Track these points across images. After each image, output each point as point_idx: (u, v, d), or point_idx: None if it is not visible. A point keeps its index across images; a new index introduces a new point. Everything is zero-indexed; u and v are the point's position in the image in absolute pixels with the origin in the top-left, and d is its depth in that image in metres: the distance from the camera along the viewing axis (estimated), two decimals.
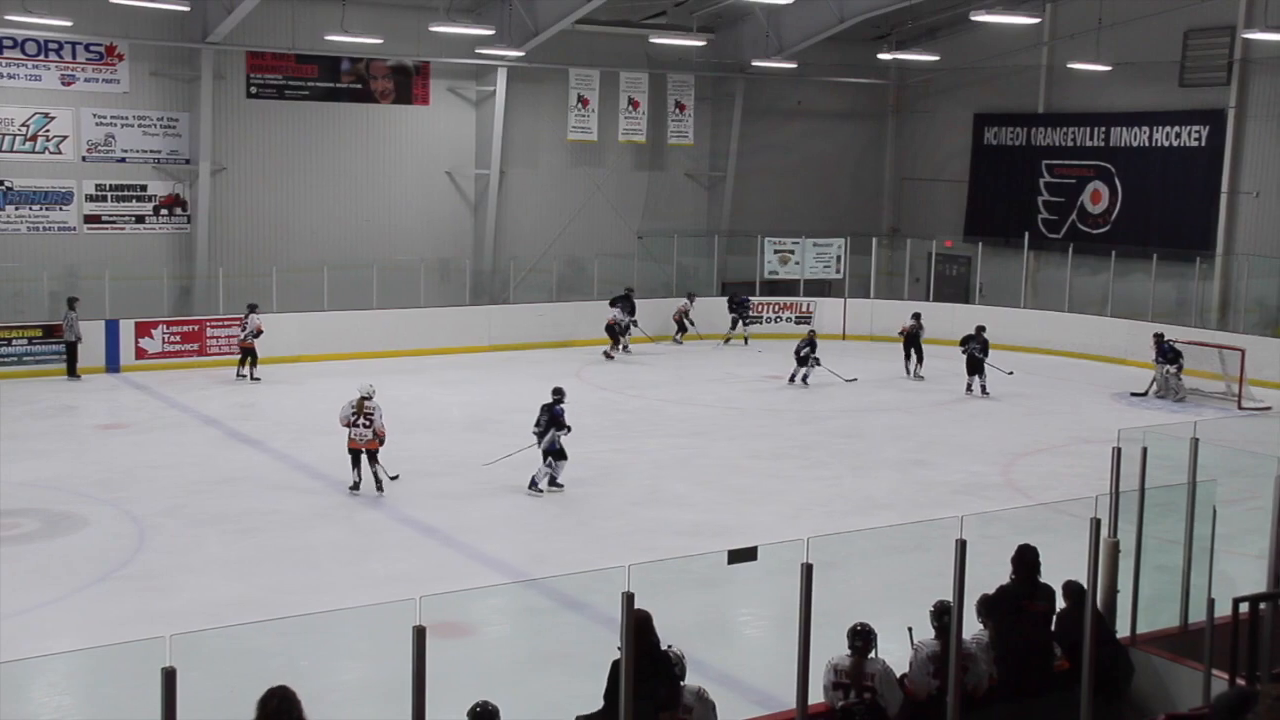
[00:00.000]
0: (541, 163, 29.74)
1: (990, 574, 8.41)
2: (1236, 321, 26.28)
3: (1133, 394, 23.04)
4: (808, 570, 6.49)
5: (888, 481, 16.75)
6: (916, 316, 24.76)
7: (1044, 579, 9.28)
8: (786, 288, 30.63)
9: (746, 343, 27.93)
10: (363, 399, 15.33)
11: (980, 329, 23.29)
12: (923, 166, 33.83)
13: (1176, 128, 28.08)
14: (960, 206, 32.80)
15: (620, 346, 26.27)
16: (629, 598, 5.94)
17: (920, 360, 24.42)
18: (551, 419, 15.72)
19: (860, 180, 34.42)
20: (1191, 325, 25.56)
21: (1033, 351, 26.59)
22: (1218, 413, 21.44)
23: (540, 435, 15.74)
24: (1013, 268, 30.04)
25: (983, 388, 22.74)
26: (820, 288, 31.15)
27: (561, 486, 15.76)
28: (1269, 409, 21.20)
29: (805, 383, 23.32)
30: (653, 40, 27.56)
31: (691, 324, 27.70)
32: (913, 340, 24.56)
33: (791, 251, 30.68)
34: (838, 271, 30.85)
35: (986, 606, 8.09)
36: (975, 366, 22.89)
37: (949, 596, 7.59)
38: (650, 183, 31.40)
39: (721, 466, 17.33)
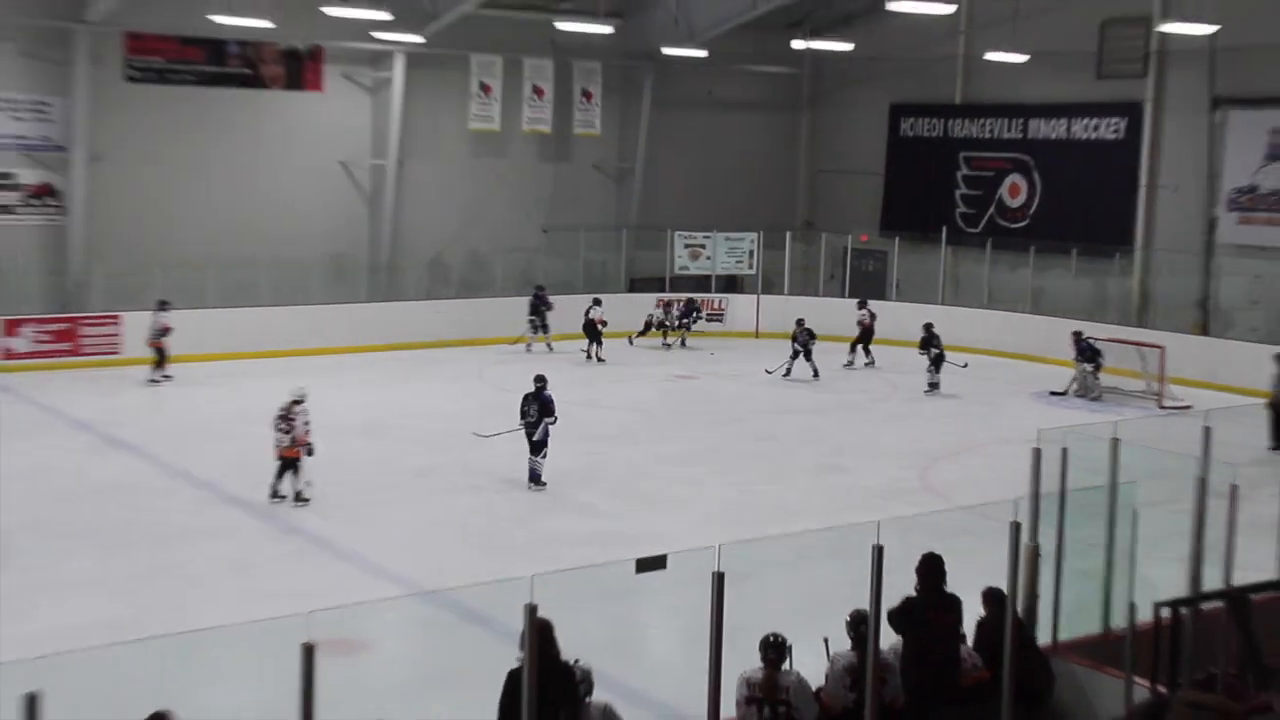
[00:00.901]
0: (442, 153, 29.51)
1: (909, 581, 8.46)
2: (1156, 318, 26.87)
3: (1052, 393, 23.45)
4: (719, 579, 6.48)
5: (802, 487, 16.85)
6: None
7: (966, 585, 9.35)
8: (697, 284, 30.73)
9: (683, 344, 27.82)
10: (293, 403, 15.06)
11: (929, 327, 23.78)
12: (838, 158, 34.15)
13: (1094, 120, 28.65)
14: (877, 200, 33.16)
15: (592, 349, 26.08)
16: (532, 610, 5.89)
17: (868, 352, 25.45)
18: (543, 406, 16.06)
19: (774, 172, 34.65)
20: (1111, 322, 26.11)
21: (951, 349, 26.91)
22: (1138, 412, 21.88)
23: (534, 425, 16.02)
24: (930, 263, 30.43)
25: (933, 384, 23.29)
26: (732, 284, 31.30)
27: (545, 484, 16.07)
28: (1190, 408, 21.67)
29: (816, 375, 24.09)
30: (558, 26, 27.45)
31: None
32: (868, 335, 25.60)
33: (703, 246, 30.76)
34: (750, 267, 31.02)
35: (893, 618, 8.13)
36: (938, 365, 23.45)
37: (866, 605, 7.63)
38: (556, 175, 31.31)
39: (628, 472, 17.31)
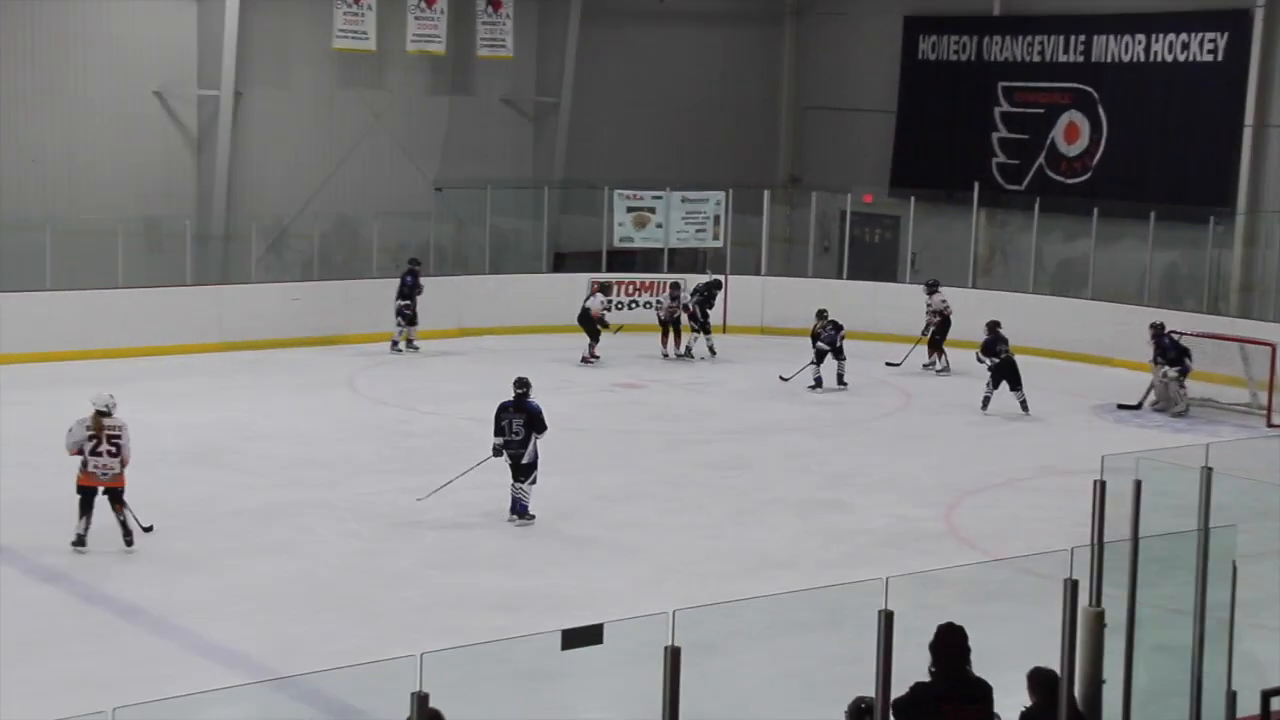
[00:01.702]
0: (296, 81, 29.45)
1: (926, 658, 8.52)
2: (1265, 306, 27.23)
3: (1121, 406, 23.68)
4: (674, 656, 6.52)
5: (786, 530, 16.91)
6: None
7: (1005, 664, 9.43)
8: (645, 260, 30.74)
9: (712, 352, 27.36)
10: (99, 415, 14.91)
11: (994, 326, 23.93)
12: (834, 91, 34.34)
13: (1184, 35, 28.94)
14: (886, 148, 33.39)
15: (591, 349, 26.20)
16: (421, 700, 5.90)
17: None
18: (530, 419, 16.48)
19: (748, 110, 34.78)
20: (1204, 311, 26.45)
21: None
22: (1239, 432, 22.19)
23: (520, 444, 16.43)
24: (957, 231, 30.69)
25: (1022, 403, 23.24)
26: (692, 260, 31.35)
27: (534, 518, 16.53)
28: None
29: (844, 382, 24.57)
30: None
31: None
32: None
33: (652, 210, 30.82)
34: (716, 238, 31.08)
35: (899, 711, 8.18)
36: (1008, 375, 23.33)
37: (871, 690, 7.67)
38: (453, 112, 31.29)
39: (554, 511, 17.25)
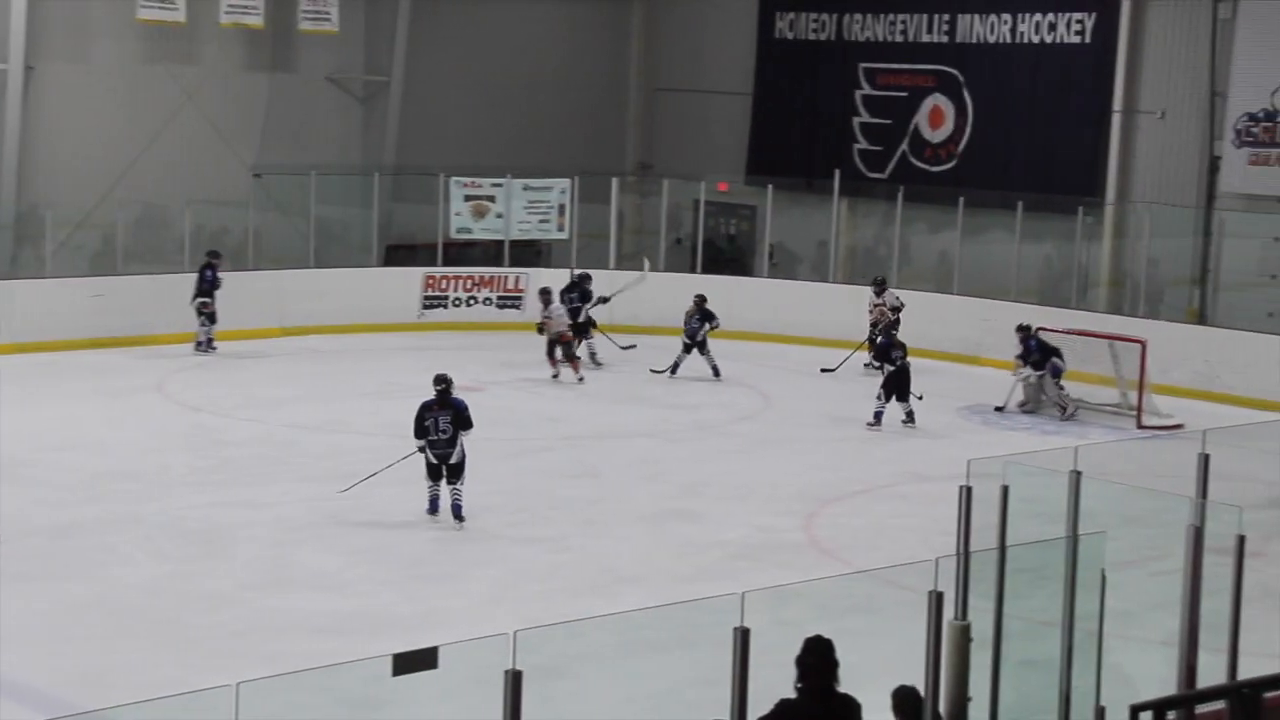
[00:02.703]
0: (96, 55, 29.07)
1: (787, 676, 8.56)
2: (1136, 301, 27.78)
3: (997, 408, 24.01)
4: (515, 680, 6.54)
5: (636, 543, 16.98)
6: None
7: (868, 681, 9.49)
8: (484, 254, 30.65)
9: (717, 374, 25.93)
10: None
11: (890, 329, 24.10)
12: (687, 72, 34.53)
13: (1051, 15, 29.40)
14: (742, 133, 33.66)
15: (574, 359, 25.52)
16: None
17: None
18: (456, 417, 16.85)
19: (595, 92, 34.86)
20: (1073, 307, 26.91)
21: (845, 346, 27.41)
22: (1108, 434, 22.63)
23: (449, 444, 16.76)
24: (817, 222, 30.95)
25: (908, 415, 22.96)
26: (535, 254, 31.31)
27: (463, 521, 16.93)
28: (1181, 427, 22.42)
29: (718, 375, 25.12)
30: None
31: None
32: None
33: (492, 199, 30.73)
34: (561, 229, 31.09)
35: None
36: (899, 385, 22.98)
37: (726, 712, 7.69)
38: (273, 91, 31.03)
39: (384, 525, 17.23)
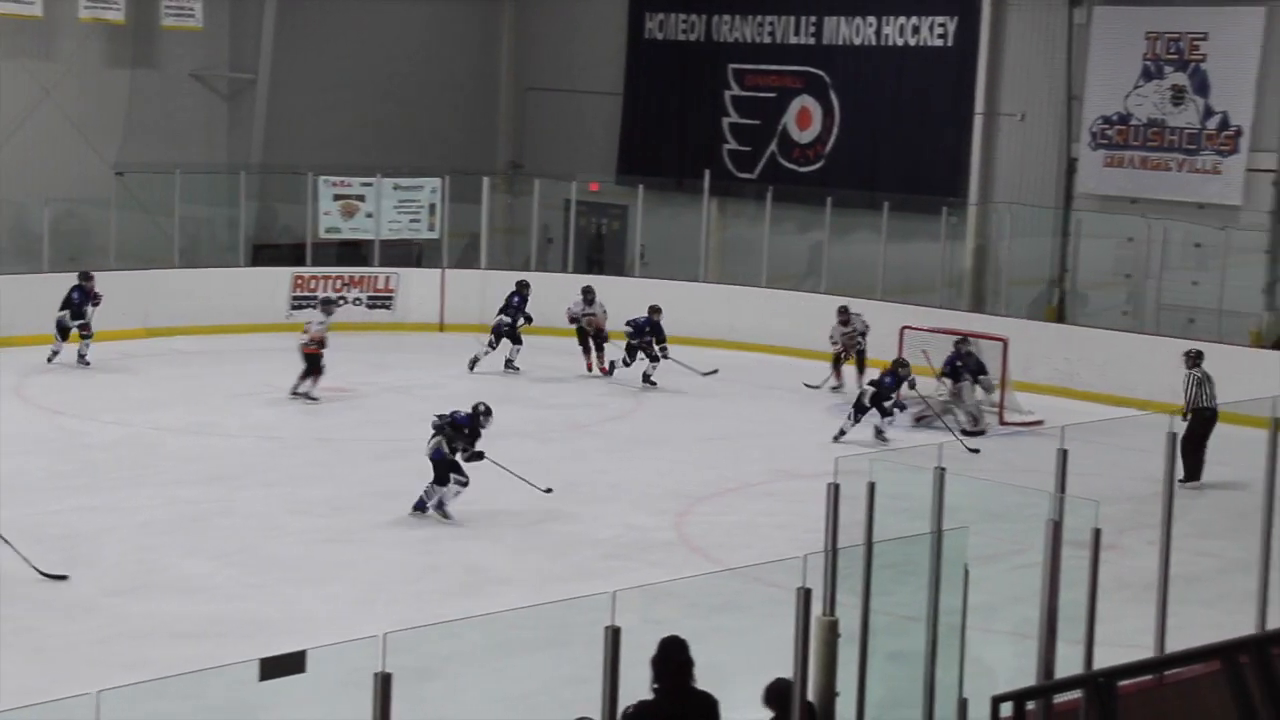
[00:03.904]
0: None
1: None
2: (997, 300, 28.20)
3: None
4: (384, 682, 6.55)
5: (507, 544, 17.04)
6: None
7: (740, 678, 9.63)
8: (354, 253, 30.51)
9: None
10: None
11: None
12: (557, 72, 34.51)
13: (915, 18, 29.74)
14: (613, 132, 33.73)
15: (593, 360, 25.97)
16: None
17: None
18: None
19: (465, 91, 34.76)
20: (936, 305, 27.26)
21: (717, 346, 27.56)
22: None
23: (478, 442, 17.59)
24: (687, 222, 31.10)
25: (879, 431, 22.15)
26: (406, 254, 31.21)
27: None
28: (1041, 423, 22.79)
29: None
30: None
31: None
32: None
33: (361, 198, 30.57)
34: (432, 228, 31.00)
35: None
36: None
37: (597, 711, 7.77)
38: (135, 88, 30.67)
39: (252, 528, 17.13)
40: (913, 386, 22.38)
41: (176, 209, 29.62)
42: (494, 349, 25.81)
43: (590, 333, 26.05)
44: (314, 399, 23.39)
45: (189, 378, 25.03)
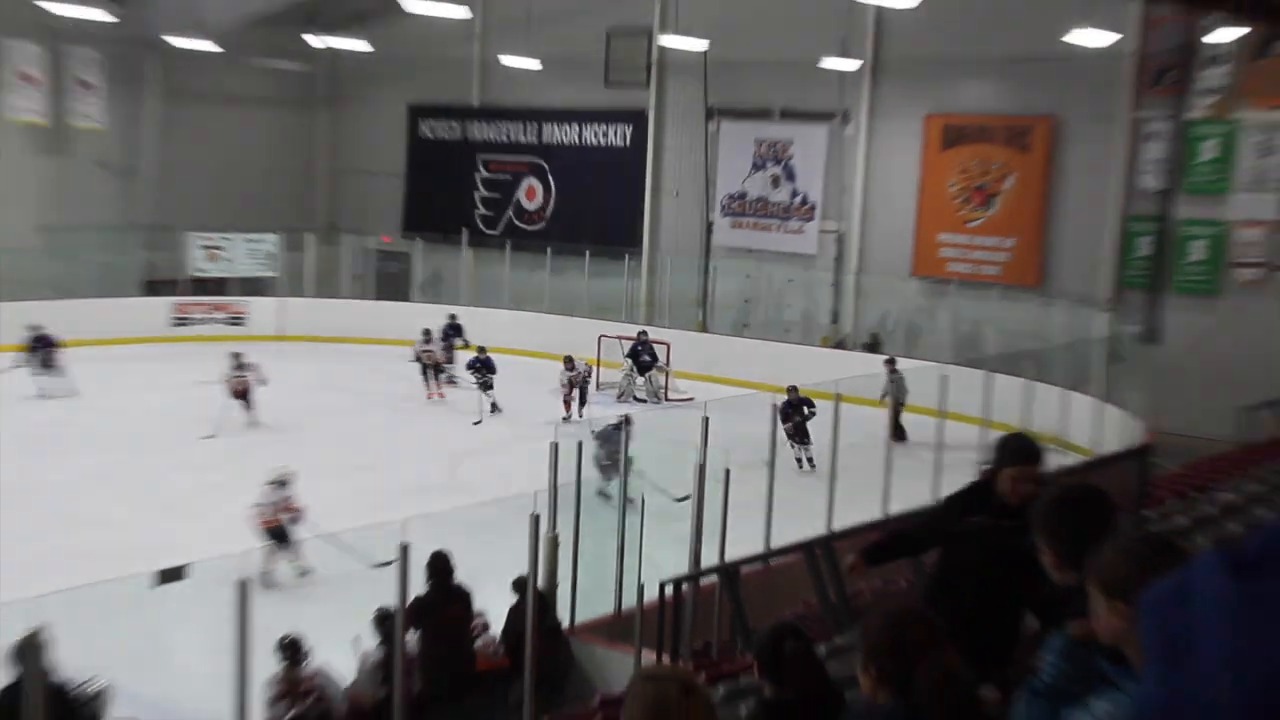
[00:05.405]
0: None
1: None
2: (663, 316, 28.67)
3: (564, 418, 24.44)
4: (243, 588, 6.54)
5: (332, 490, 16.76)
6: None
7: (496, 576, 9.77)
8: (217, 287, 29.79)
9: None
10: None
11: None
12: (359, 159, 34.06)
13: (604, 126, 30.17)
14: (398, 201, 33.39)
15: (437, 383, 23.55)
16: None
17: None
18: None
19: (293, 172, 34.05)
20: (623, 320, 27.66)
21: (474, 351, 27.49)
22: (646, 406, 23.36)
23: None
24: (453, 264, 31.00)
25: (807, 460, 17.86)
26: (257, 286, 30.56)
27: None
28: (692, 399, 23.30)
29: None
30: (47, 8, 25.38)
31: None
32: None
33: (220, 248, 29.81)
34: (273, 269, 30.40)
35: (410, 616, 8.46)
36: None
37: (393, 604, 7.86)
38: (54, 169, 29.28)
39: (142, 481, 16.73)
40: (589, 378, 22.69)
41: (92, 255, 28.57)
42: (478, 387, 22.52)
43: (428, 365, 23.88)
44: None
45: (87, 378, 24.08)
